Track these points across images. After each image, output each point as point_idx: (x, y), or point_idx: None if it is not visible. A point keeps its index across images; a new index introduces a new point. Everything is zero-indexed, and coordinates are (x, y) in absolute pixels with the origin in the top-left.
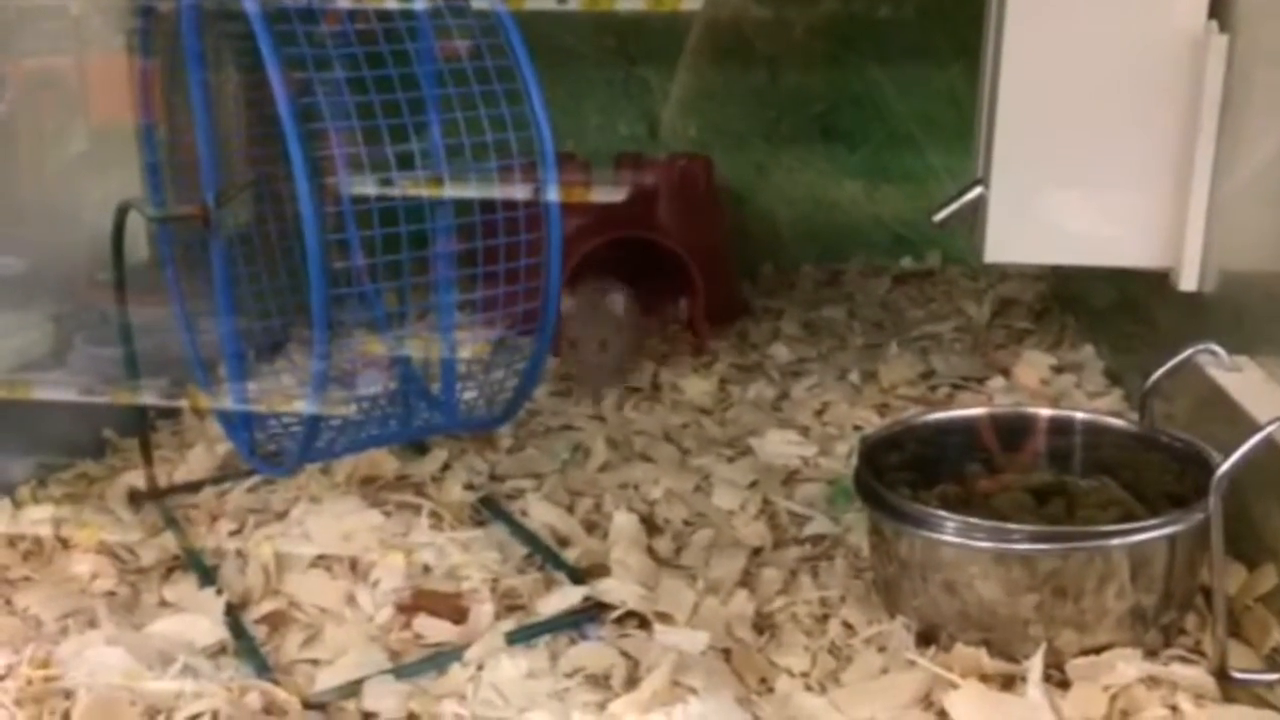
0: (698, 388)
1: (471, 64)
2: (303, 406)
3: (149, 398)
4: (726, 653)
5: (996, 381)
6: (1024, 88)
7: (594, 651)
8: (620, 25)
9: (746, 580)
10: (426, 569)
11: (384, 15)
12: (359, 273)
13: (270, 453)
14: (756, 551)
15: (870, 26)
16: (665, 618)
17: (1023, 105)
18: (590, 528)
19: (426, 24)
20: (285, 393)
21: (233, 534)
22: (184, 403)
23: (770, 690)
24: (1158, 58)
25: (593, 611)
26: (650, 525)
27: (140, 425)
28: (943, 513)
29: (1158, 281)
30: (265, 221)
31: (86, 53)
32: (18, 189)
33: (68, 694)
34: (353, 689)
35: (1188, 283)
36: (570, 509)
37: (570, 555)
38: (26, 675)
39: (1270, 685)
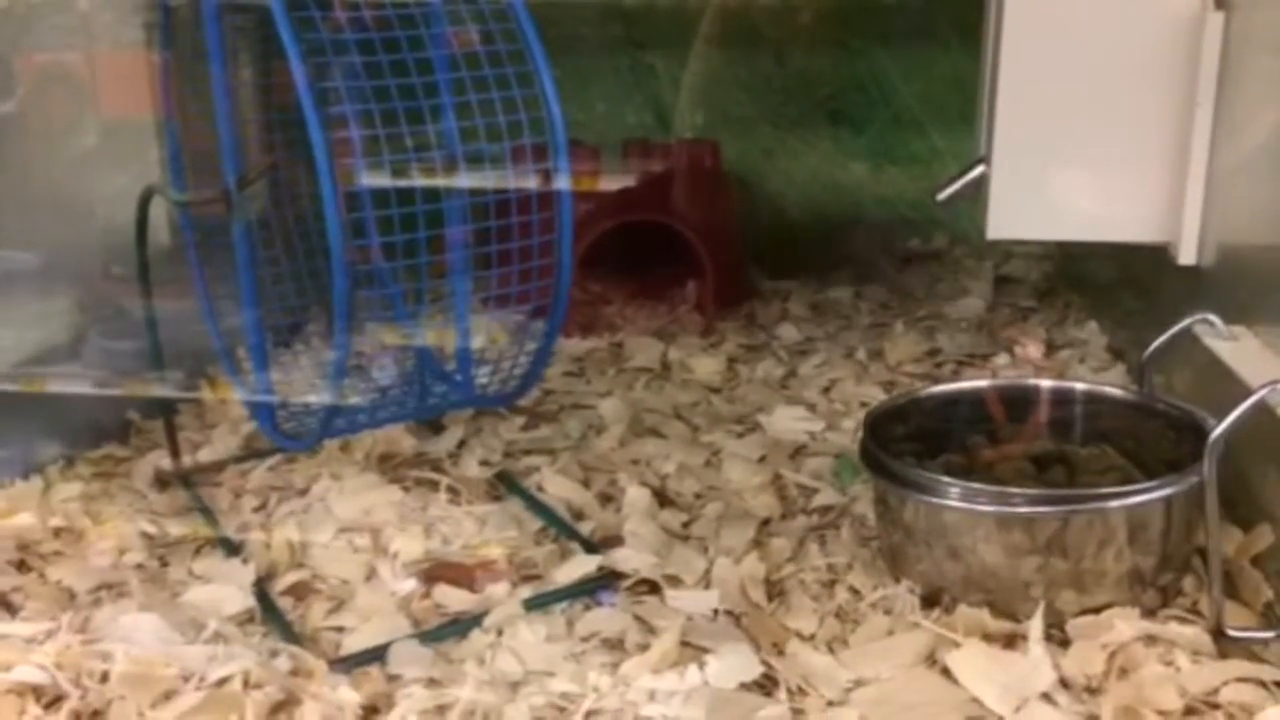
0: (707, 367)
1: (484, 49)
2: (322, 391)
3: (167, 387)
4: (737, 617)
5: (1002, 359)
6: (1024, 66)
7: (608, 617)
8: (627, 12)
9: (756, 549)
10: (445, 541)
11: (399, 3)
12: (374, 254)
13: (292, 429)
14: (766, 522)
15: (875, 11)
16: (676, 581)
17: (1023, 83)
18: (604, 501)
19: (439, 9)
20: (305, 376)
21: (256, 510)
22: (203, 393)
23: (780, 652)
24: (1155, 36)
25: (607, 579)
26: (662, 498)
27: (164, 408)
28: (946, 479)
29: (1158, 257)
30: (280, 207)
31: (96, 47)
32: (32, 184)
33: (105, 657)
34: (378, 653)
35: (1187, 256)
36: (584, 484)
37: (585, 527)
38: (65, 641)
39: (1265, 642)
